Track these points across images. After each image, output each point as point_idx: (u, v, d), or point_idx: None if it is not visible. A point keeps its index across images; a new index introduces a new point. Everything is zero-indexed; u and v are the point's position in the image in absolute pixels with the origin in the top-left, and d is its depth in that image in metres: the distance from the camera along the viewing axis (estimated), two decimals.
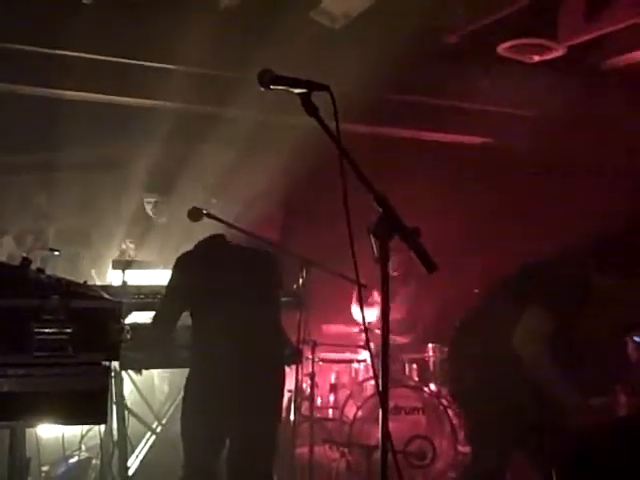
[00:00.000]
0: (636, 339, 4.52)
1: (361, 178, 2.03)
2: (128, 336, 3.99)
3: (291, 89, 2.17)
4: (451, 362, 4.52)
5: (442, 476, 5.75)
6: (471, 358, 4.05)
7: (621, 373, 4.39)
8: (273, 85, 2.18)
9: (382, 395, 2.03)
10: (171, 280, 4.10)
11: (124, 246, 6.02)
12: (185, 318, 4.18)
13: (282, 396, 4.20)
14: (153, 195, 6.06)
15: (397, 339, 6.40)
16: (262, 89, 2.20)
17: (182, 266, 4.08)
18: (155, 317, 4.17)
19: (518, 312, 3.77)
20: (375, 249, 2.00)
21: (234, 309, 3.91)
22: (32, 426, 3.70)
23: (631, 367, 4.43)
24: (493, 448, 4.01)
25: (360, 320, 6.55)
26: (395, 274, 6.40)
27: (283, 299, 4.48)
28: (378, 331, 5.48)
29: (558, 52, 5.51)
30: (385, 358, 2.07)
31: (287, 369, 4.36)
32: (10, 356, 2.85)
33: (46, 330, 2.89)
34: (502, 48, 5.50)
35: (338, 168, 2.08)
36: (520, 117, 6.77)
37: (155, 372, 6.13)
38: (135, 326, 4.36)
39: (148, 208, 6.12)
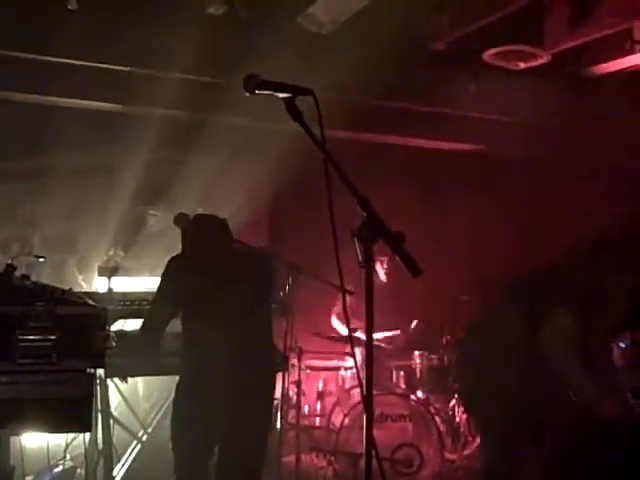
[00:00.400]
0: (621, 345, 4.55)
1: (345, 182, 2.03)
2: (113, 343, 3.98)
3: (276, 94, 2.17)
4: (459, 364, 4.54)
5: None
6: (478, 359, 4.08)
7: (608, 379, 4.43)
8: (258, 90, 2.18)
9: (367, 400, 2.02)
10: (161, 284, 4.03)
11: (111, 252, 6.00)
12: (172, 325, 4.16)
13: (272, 403, 4.17)
14: (158, 209, 6.06)
15: (382, 345, 6.41)
16: (247, 94, 2.20)
17: (172, 270, 4.02)
18: (143, 323, 4.14)
19: (533, 316, 3.81)
20: (359, 253, 2.00)
21: (224, 315, 3.86)
22: (16, 434, 3.66)
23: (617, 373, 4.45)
24: (497, 447, 4.04)
25: (340, 331, 6.55)
26: (384, 278, 6.42)
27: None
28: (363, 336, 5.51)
29: (543, 59, 5.53)
30: (370, 363, 2.07)
31: None
32: None
33: (30, 337, 2.88)
34: (488, 55, 5.51)
35: (323, 173, 2.08)
36: (507, 123, 6.79)
37: (140, 380, 6.10)
38: (121, 333, 4.35)
39: (151, 220, 6.11)
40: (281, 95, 2.16)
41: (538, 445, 3.89)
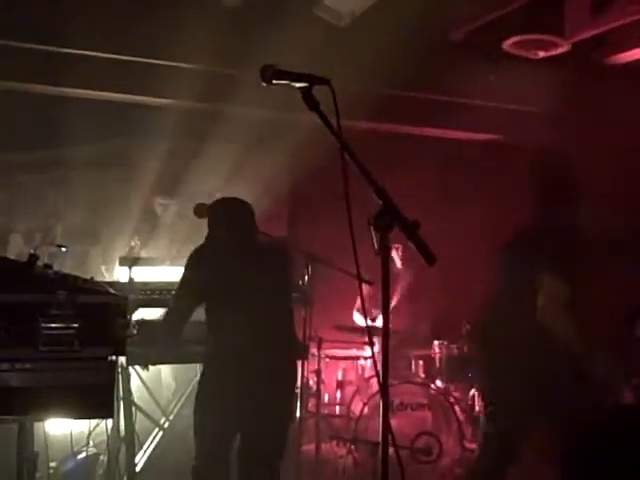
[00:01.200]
0: None
1: (362, 170, 2.05)
2: (134, 331, 4.02)
3: (292, 83, 2.19)
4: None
5: (448, 472, 5.76)
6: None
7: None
8: (275, 80, 2.20)
9: (383, 387, 2.05)
10: (185, 274, 4.04)
11: (132, 243, 6.06)
12: (195, 313, 4.19)
13: (295, 392, 4.20)
14: (165, 198, 6.10)
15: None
16: (264, 84, 2.22)
17: (197, 260, 4.03)
18: (167, 313, 4.17)
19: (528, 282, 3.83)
20: (375, 241, 2.02)
21: (250, 304, 3.88)
22: (39, 420, 3.72)
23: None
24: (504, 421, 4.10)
25: (361, 323, 6.57)
26: (400, 266, 6.45)
27: None
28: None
29: (563, 48, 5.50)
30: (386, 353, 2.09)
31: None
32: (17, 351, 2.87)
33: (53, 325, 2.91)
34: (507, 44, 5.49)
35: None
36: (526, 113, 6.76)
37: (162, 368, 6.16)
38: (142, 322, 4.39)
39: (158, 210, 6.15)
40: (298, 85, 2.18)
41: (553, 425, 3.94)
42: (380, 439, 2.12)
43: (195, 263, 4.02)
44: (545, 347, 3.80)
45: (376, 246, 2.02)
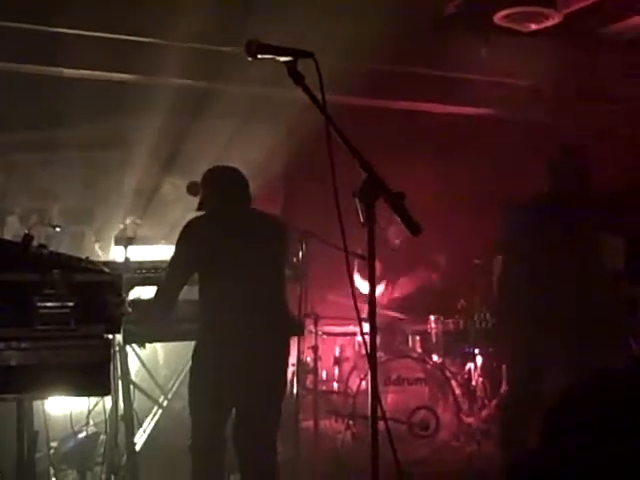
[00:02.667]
0: None
1: (346, 144, 2.07)
2: (129, 309, 4.04)
3: (277, 57, 2.20)
4: None
5: (446, 446, 5.81)
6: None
7: None
8: (260, 54, 2.21)
9: (371, 361, 2.08)
10: (177, 249, 4.03)
11: (128, 221, 6.07)
12: (188, 292, 4.21)
13: (287, 366, 4.22)
14: (176, 177, 6.13)
15: (399, 316, 6.47)
16: (250, 59, 2.23)
17: (191, 233, 4.01)
18: (158, 289, 4.18)
19: None
20: (361, 213, 2.04)
21: (242, 277, 3.88)
22: (37, 399, 3.75)
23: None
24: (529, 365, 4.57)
25: (363, 290, 6.58)
26: (397, 242, 6.46)
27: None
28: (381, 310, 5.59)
29: (555, 20, 5.48)
30: (373, 327, 2.12)
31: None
32: (14, 330, 2.90)
33: (48, 304, 2.93)
34: (499, 17, 5.47)
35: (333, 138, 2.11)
36: (519, 87, 6.75)
37: (160, 347, 6.20)
38: (137, 300, 4.41)
39: (169, 190, 6.17)
40: (282, 59, 2.19)
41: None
42: (370, 413, 2.14)
43: (188, 235, 4.01)
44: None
45: (362, 218, 2.04)
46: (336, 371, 6.69)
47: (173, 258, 4.06)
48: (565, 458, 1.52)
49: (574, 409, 1.56)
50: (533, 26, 5.55)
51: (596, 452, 1.49)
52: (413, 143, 6.87)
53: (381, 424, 2.20)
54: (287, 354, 4.19)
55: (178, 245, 4.03)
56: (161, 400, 5.65)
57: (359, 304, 2.30)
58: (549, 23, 5.50)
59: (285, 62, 2.18)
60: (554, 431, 1.56)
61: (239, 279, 3.88)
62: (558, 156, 4.67)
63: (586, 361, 4.31)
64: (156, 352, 6.19)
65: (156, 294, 4.16)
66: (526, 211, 4.70)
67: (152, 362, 5.92)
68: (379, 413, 2.15)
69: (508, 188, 6.10)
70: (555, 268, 4.40)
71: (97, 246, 6.04)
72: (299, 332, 4.85)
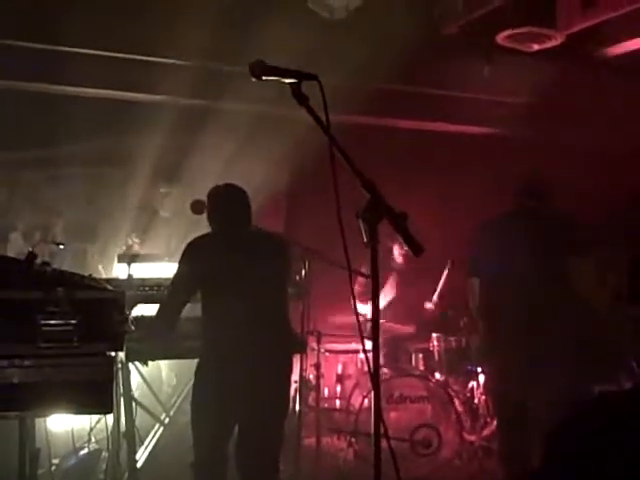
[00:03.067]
0: None
1: (349, 164, 2.08)
2: (132, 327, 4.05)
3: (281, 79, 2.22)
4: None
5: (448, 464, 5.79)
6: None
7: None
8: (264, 76, 2.23)
9: (374, 378, 2.08)
10: (180, 267, 4.06)
11: (130, 241, 6.10)
12: (191, 309, 4.22)
13: (290, 383, 4.22)
14: (165, 186, 6.14)
15: (401, 328, 6.47)
16: (254, 80, 2.25)
17: (194, 251, 4.05)
18: (161, 306, 4.20)
19: None
20: (364, 233, 2.05)
21: (244, 295, 3.89)
22: (40, 416, 3.75)
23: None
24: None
25: (366, 312, 6.59)
26: (400, 260, 6.48)
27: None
28: (382, 321, 5.62)
29: (557, 41, 5.50)
30: (376, 343, 2.12)
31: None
32: (17, 347, 2.91)
33: (51, 322, 2.94)
34: (501, 37, 5.50)
35: (336, 158, 2.13)
36: (521, 106, 6.78)
37: (163, 364, 6.20)
38: (140, 318, 4.42)
39: (158, 202, 6.18)
40: (286, 81, 2.21)
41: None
42: (373, 431, 2.15)
43: (190, 253, 4.05)
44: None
45: (365, 238, 2.05)
46: (338, 388, 6.70)
47: (176, 276, 4.09)
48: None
49: (574, 435, 1.56)
50: (535, 46, 5.58)
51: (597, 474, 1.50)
52: (416, 161, 6.89)
53: (384, 442, 2.21)
54: (289, 371, 4.20)
55: (181, 263, 4.06)
56: (163, 417, 5.65)
57: (362, 323, 2.30)
58: (551, 44, 5.52)
59: (290, 84, 2.20)
60: (554, 455, 1.57)
61: (241, 297, 3.90)
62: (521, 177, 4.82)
63: (567, 379, 4.35)
64: (160, 369, 6.19)
65: (158, 312, 4.17)
66: (491, 229, 4.81)
67: (156, 379, 5.92)
68: (385, 432, 2.16)
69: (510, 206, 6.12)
70: (522, 285, 4.47)
71: (100, 265, 6.06)
72: (301, 349, 4.86)
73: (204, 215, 4.27)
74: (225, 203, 4.18)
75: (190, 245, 4.08)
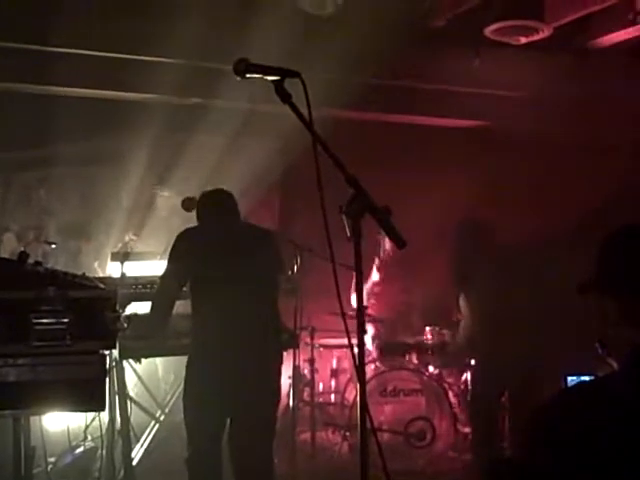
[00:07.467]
0: None
1: (333, 159, 2.10)
2: (125, 325, 4.07)
3: (265, 77, 2.23)
4: None
5: (442, 456, 5.83)
6: None
7: None
8: (248, 74, 2.24)
9: (359, 373, 2.11)
10: (169, 261, 4.09)
11: (127, 238, 6.10)
12: (184, 307, 4.24)
13: (279, 376, 4.24)
14: (157, 184, 6.16)
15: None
16: (238, 78, 2.27)
17: (182, 245, 4.08)
18: (153, 301, 4.24)
19: None
20: (347, 228, 2.08)
21: (234, 291, 3.93)
22: (34, 414, 3.77)
23: None
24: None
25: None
26: (390, 250, 6.52)
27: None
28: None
29: (544, 33, 5.51)
30: (361, 339, 2.16)
31: (284, 353, 4.42)
32: (10, 346, 2.93)
33: (44, 320, 2.96)
34: (489, 31, 5.50)
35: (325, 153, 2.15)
36: (511, 99, 6.79)
37: (159, 362, 6.22)
38: (133, 316, 4.45)
39: (159, 202, 6.21)
40: (270, 78, 2.23)
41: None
42: (358, 424, 2.17)
43: (178, 247, 4.08)
44: None
45: (348, 233, 2.08)
46: (333, 383, 6.73)
47: (165, 270, 4.13)
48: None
49: (556, 420, 1.59)
50: (523, 39, 5.58)
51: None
52: (404, 155, 6.91)
53: (379, 436, 2.24)
54: (278, 364, 4.21)
55: (169, 257, 4.10)
56: (158, 414, 5.67)
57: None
58: (539, 36, 5.53)
59: (273, 81, 2.22)
60: (532, 444, 1.60)
61: (230, 290, 3.93)
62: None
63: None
64: (156, 366, 6.21)
65: (151, 308, 4.20)
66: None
67: (152, 376, 5.94)
68: (371, 425, 2.18)
69: (502, 200, 6.16)
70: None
71: (95, 263, 6.08)
72: (292, 343, 4.87)
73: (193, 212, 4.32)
74: (213, 202, 4.24)
75: (177, 239, 4.11)
